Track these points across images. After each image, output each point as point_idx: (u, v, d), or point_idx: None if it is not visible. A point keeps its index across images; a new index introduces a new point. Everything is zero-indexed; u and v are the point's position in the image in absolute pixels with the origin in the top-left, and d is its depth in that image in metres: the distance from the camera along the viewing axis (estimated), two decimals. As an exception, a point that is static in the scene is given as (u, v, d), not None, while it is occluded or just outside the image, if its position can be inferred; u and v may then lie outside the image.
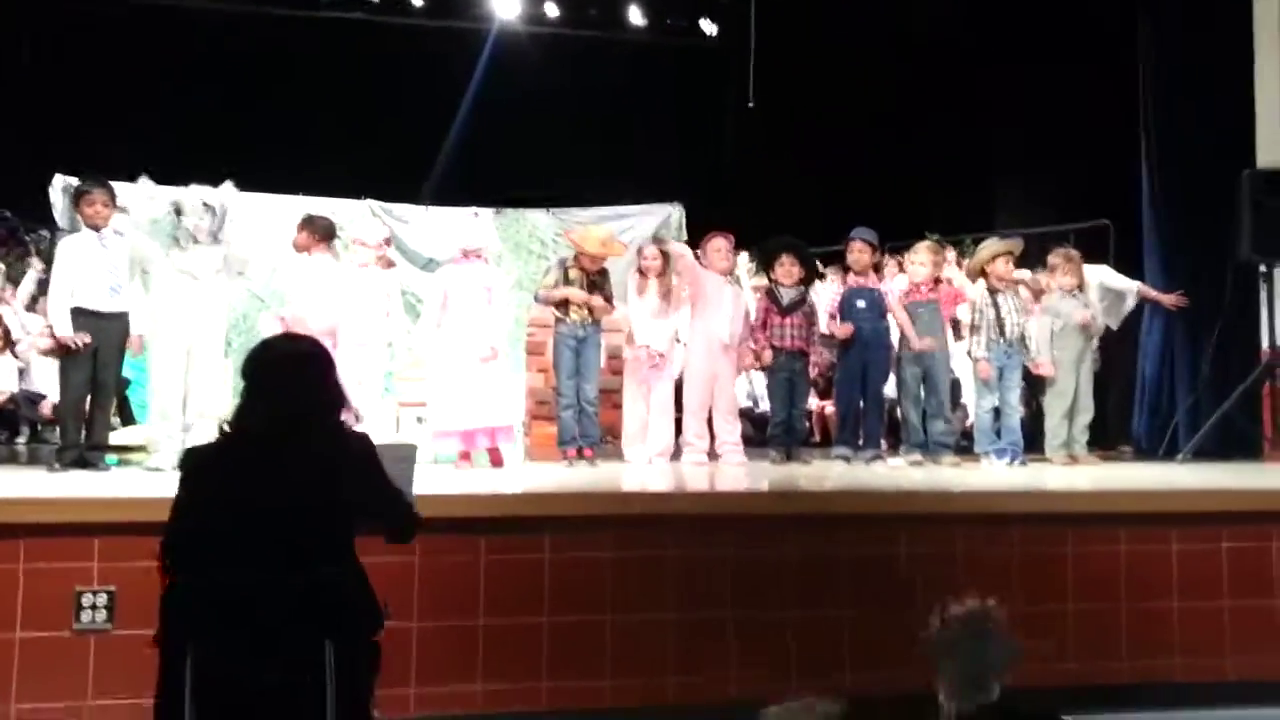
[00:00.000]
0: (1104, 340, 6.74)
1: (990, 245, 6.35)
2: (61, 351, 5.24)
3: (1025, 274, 6.70)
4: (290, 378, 2.56)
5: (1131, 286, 6.74)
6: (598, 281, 6.12)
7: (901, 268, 6.72)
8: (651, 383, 6.19)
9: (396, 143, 11.24)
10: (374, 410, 5.92)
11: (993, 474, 5.72)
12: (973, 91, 10.00)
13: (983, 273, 6.23)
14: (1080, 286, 6.34)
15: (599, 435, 6.16)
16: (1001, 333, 6.06)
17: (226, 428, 2.61)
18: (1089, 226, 8.13)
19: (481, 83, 12.23)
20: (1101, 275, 6.75)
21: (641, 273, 6.27)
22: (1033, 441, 6.27)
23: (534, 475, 5.46)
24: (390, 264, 6.58)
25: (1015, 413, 6.07)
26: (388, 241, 6.55)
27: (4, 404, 7.80)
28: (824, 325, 6.37)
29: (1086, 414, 6.22)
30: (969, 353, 6.18)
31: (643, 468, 5.95)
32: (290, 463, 2.49)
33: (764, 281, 6.65)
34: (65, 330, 5.12)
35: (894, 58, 10.49)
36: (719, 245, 6.28)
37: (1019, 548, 4.15)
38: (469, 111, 12.19)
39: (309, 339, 2.77)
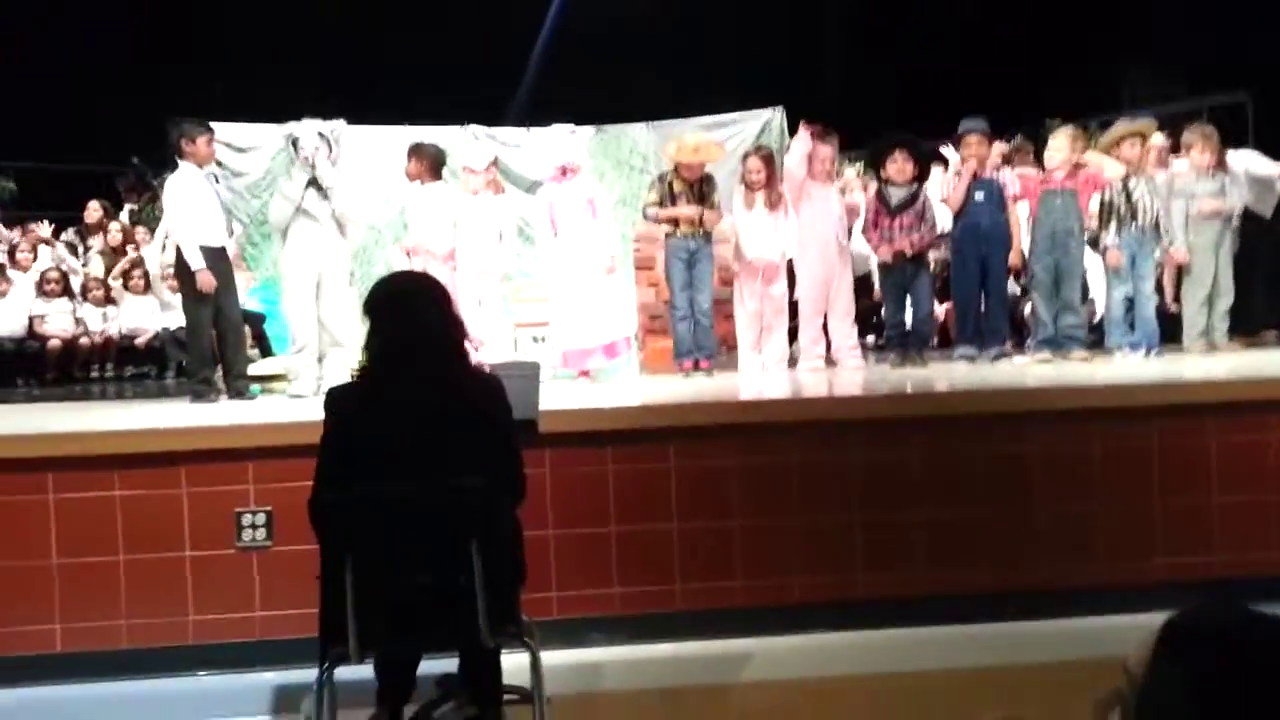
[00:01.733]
0: (1247, 221, 6.32)
1: (1119, 127, 5.99)
2: (192, 290, 5.33)
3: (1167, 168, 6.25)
4: (407, 312, 2.67)
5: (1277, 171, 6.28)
6: (704, 191, 6.05)
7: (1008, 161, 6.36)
8: (763, 292, 6.14)
9: (494, 66, 11.25)
10: (493, 332, 6.06)
11: (1126, 366, 5.50)
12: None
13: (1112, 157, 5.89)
14: (1221, 165, 5.94)
15: (714, 346, 6.17)
16: (1134, 217, 5.75)
17: (361, 365, 2.72)
18: (1227, 103, 7.60)
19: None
20: (1247, 161, 6.31)
21: (747, 185, 6.16)
22: (1171, 331, 5.99)
23: (652, 388, 5.52)
24: (500, 189, 6.64)
25: (1149, 302, 5.79)
26: (494, 165, 6.61)
27: (150, 341, 8.29)
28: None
29: (1226, 299, 5.90)
30: (1093, 244, 5.90)
31: (760, 376, 5.94)
32: (418, 387, 2.60)
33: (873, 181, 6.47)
34: (198, 263, 5.24)
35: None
36: (824, 154, 6.13)
37: (1157, 441, 4.01)
38: (563, 27, 12.07)
39: (423, 274, 2.85)
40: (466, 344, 2.83)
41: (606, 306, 5.79)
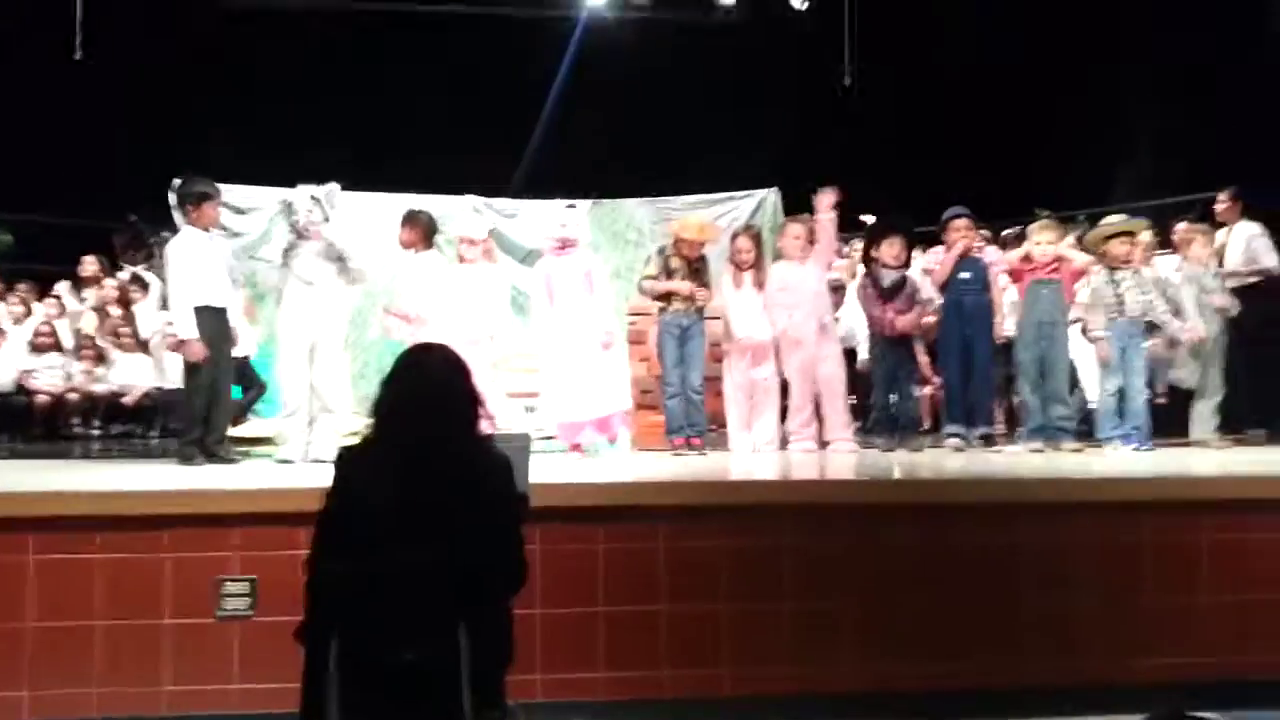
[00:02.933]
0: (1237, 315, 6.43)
1: (1109, 224, 6.11)
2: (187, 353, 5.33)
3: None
4: (433, 387, 2.65)
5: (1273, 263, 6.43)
6: (699, 269, 6.12)
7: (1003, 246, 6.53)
8: (753, 373, 6.16)
9: (491, 136, 11.43)
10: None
11: (1118, 460, 5.53)
12: (1083, 59, 9.62)
13: (1101, 251, 6.01)
14: (1218, 259, 6.10)
15: (705, 424, 6.17)
16: (1122, 310, 5.84)
17: (369, 430, 2.70)
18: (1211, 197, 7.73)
19: (572, 72, 12.33)
20: (1249, 231, 6.48)
21: (736, 265, 6.22)
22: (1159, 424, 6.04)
23: (643, 464, 5.50)
24: (493, 258, 6.71)
25: (1140, 395, 5.84)
26: (490, 235, 6.68)
27: (139, 400, 8.24)
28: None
29: (1216, 395, 5.95)
30: (1084, 332, 5.97)
31: (750, 456, 5.93)
32: (434, 467, 2.58)
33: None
34: (191, 332, 5.25)
35: (993, 27, 10.15)
36: (796, 232, 6.22)
37: (1150, 536, 4.00)
38: (562, 102, 12.31)
39: (447, 348, 2.84)
40: (482, 419, 2.83)
41: (601, 380, 5.79)
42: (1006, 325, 6.18)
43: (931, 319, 6.25)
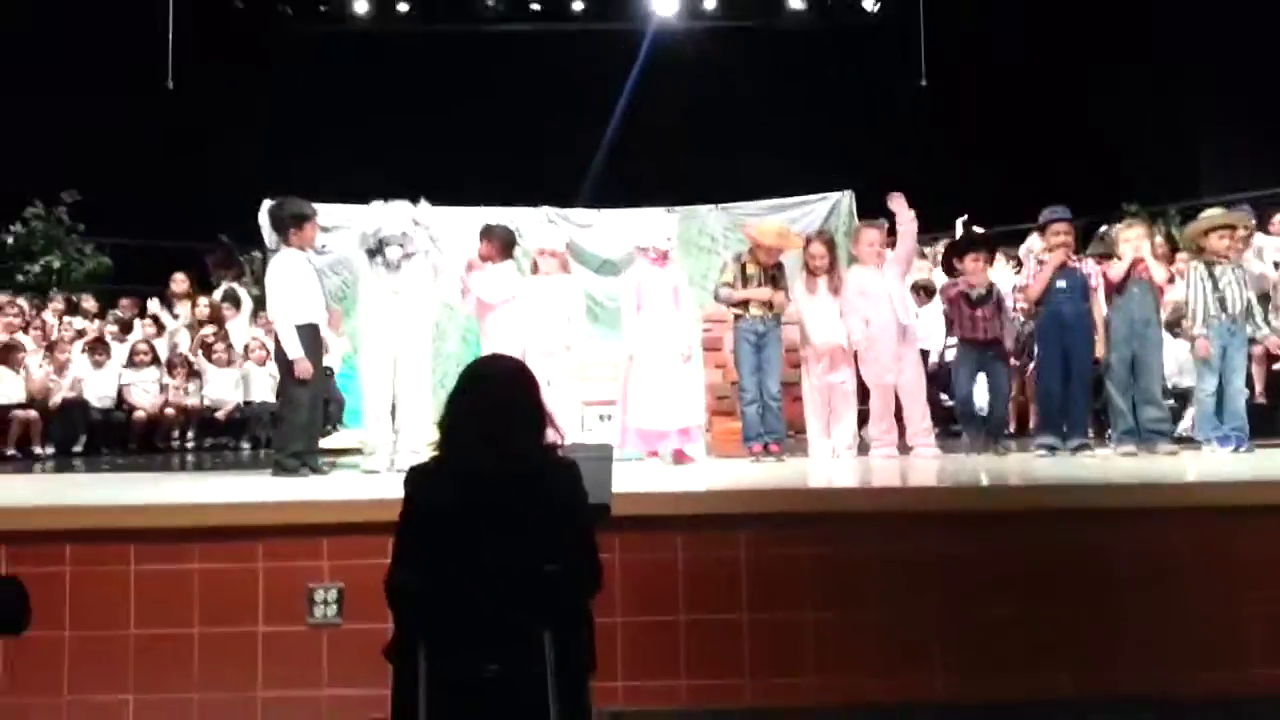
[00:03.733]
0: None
1: (1209, 217, 5.88)
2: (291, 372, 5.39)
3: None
4: (500, 399, 2.67)
5: None
6: (775, 275, 6.08)
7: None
8: (830, 378, 6.09)
9: (564, 148, 11.54)
10: (562, 410, 6.08)
11: (1214, 462, 5.31)
12: (1166, 47, 9.31)
13: (1199, 246, 5.79)
14: None
15: (783, 430, 6.12)
16: (1223, 308, 5.62)
17: (437, 445, 2.74)
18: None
19: (642, 82, 12.38)
20: None
21: (810, 271, 6.16)
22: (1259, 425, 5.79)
23: (721, 472, 5.48)
24: (568, 269, 6.75)
25: (1240, 395, 5.61)
26: (567, 247, 6.73)
27: (231, 414, 8.52)
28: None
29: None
30: (1177, 330, 5.74)
31: (831, 463, 5.86)
32: (501, 479, 2.60)
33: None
34: (297, 351, 5.32)
35: (1071, 16, 9.88)
36: (871, 238, 6.15)
37: (1249, 542, 3.84)
38: (632, 112, 12.37)
39: (513, 358, 2.87)
40: (550, 432, 2.84)
41: (681, 392, 5.80)
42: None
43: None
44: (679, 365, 5.84)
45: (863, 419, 6.26)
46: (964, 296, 6.08)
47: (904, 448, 6.03)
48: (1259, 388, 6.16)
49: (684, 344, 5.89)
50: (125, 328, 8.71)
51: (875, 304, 6.00)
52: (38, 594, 2.23)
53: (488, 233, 6.40)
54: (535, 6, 12.49)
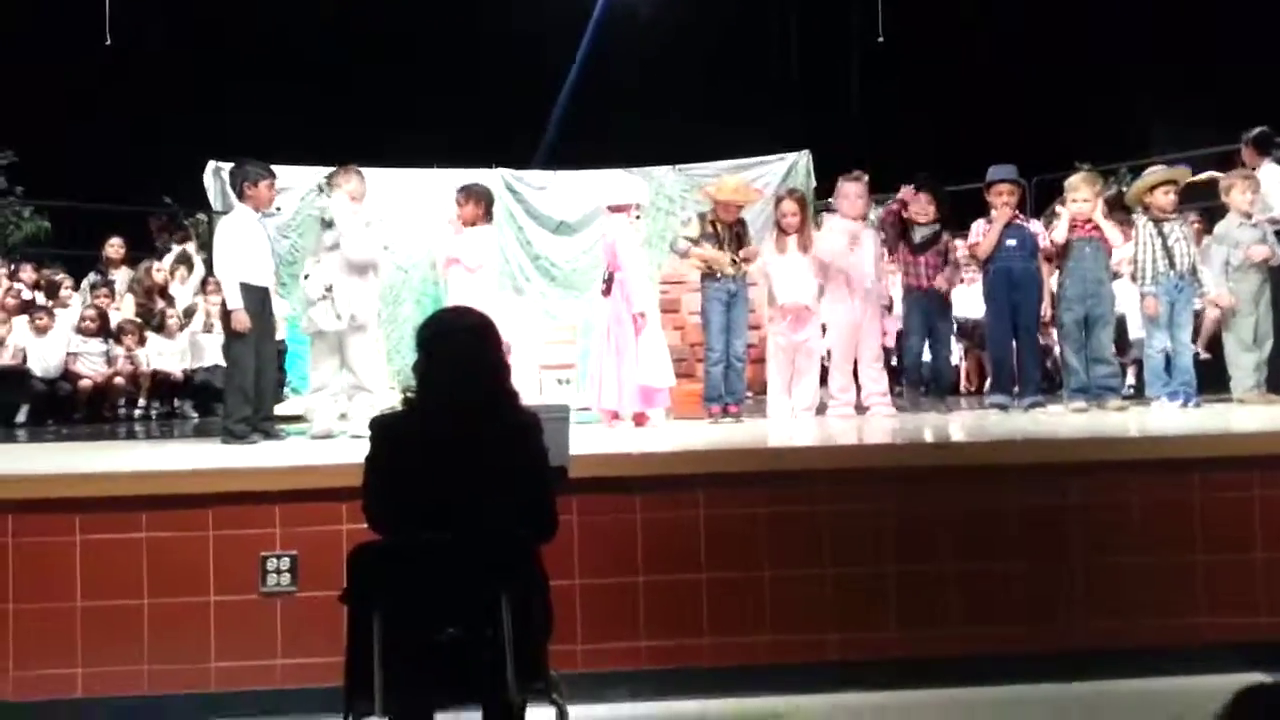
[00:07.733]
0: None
1: (1152, 174, 5.94)
2: (233, 330, 5.31)
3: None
4: (464, 348, 2.66)
5: None
6: (739, 233, 6.04)
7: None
8: (795, 336, 6.08)
9: (516, 109, 11.37)
10: (519, 375, 6.03)
11: (1164, 417, 5.40)
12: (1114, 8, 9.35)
13: (1143, 203, 5.84)
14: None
15: (743, 390, 6.11)
16: (1171, 264, 5.68)
17: (409, 395, 2.71)
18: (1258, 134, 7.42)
19: (597, 42, 12.21)
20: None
21: (781, 229, 6.12)
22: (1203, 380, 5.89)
23: (681, 433, 5.47)
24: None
25: (1187, 351, 5.70)
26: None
27: (179, 381, 8.33)
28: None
29: (1266, 348, 5.79)
30: (1134, 281, 5.80)
31: (789, 423, 5.88)
32: (469, 430, 2.59)
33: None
34: (236, 302, 5.21)
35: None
36: (851, 190, 6.11)
37: (1199, 494, 3.91)
38: (586, 72, 12.21)
39: (478, 311, 2.83)
40: (509, 376, 2.82)
41: (643, 354, 5.71)
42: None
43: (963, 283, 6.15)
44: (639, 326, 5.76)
45: (824, 378, 6.27)
46: (905, 240, 6.02)
47: (861, 407, 6.06)
48: (1200, 343, 6.27)
49: (637, 306, 5.78)
50: (51, 291, 8.42)
51: (863, 256, 5.97)
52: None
53: (472, 193, 6.16)
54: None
